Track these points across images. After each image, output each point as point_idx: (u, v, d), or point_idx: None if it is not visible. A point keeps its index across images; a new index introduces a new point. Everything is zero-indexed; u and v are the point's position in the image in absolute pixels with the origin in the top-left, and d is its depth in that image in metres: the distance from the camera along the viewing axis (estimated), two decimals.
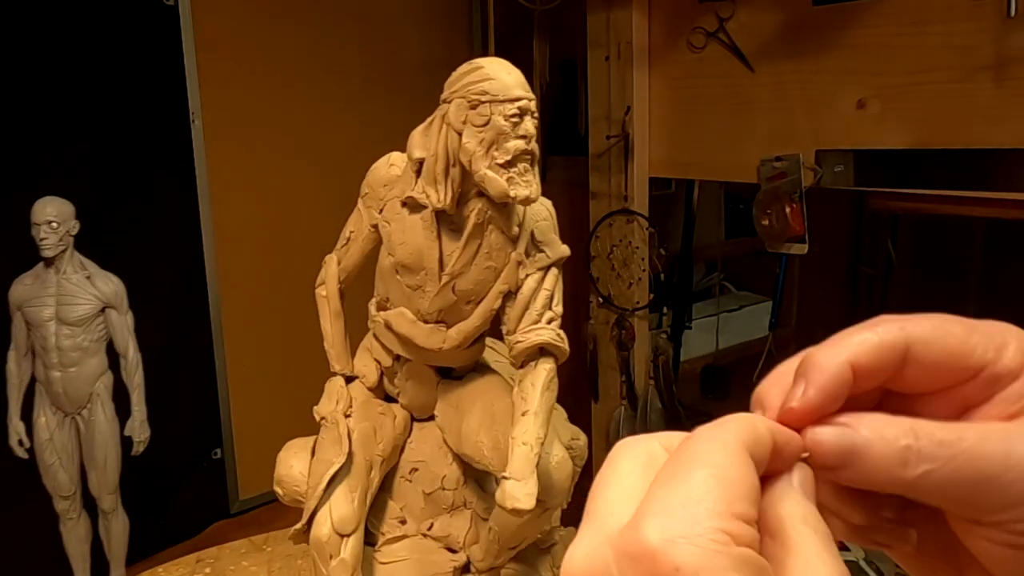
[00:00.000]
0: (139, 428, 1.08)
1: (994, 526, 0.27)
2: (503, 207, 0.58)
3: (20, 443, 1.06)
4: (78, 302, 1.03)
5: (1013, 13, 1.01)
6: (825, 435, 0.27)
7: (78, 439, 1.07)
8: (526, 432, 0.54)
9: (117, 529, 1.11)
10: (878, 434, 0.26)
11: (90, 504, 1.10)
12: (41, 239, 0.99)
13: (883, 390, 0.29)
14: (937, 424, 0.27)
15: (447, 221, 0.59)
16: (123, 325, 1.06)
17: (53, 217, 0.99)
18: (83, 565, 1.12)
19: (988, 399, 0.28)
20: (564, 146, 1.66)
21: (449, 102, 0.53)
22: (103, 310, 1.05)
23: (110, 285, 1.05)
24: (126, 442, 1.09)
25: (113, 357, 1.08)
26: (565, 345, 0.59)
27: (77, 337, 1.03)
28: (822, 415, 0.28)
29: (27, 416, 1.07)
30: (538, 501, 0.51)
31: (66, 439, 1.07)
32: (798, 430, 0.27)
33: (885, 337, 0.28)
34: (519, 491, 0.50)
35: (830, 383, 0.28)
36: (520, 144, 0.51)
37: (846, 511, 0.29)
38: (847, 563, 0.81)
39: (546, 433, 0.55)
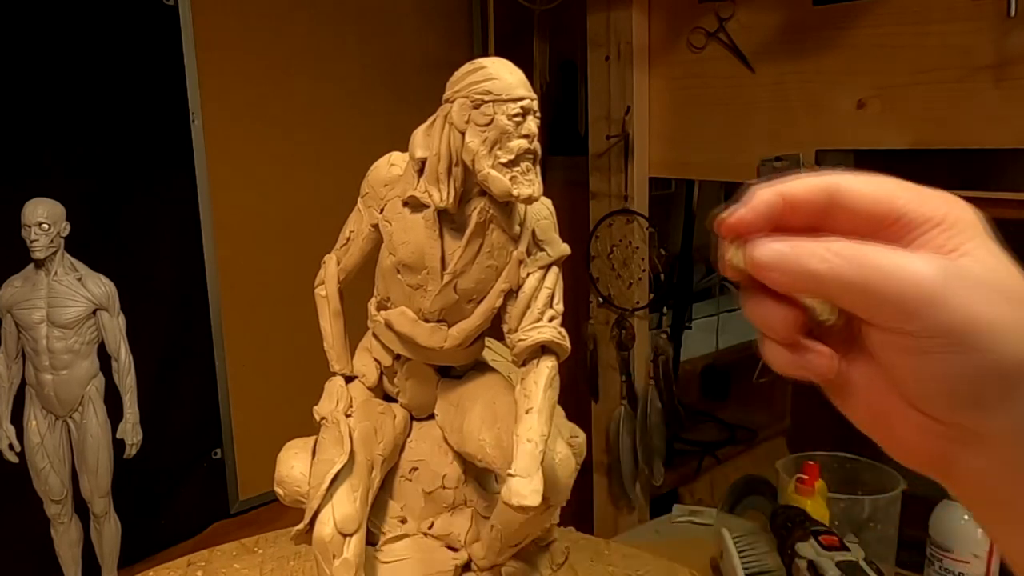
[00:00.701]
0: (131, 431, 1.08)
1: (883, 331, 0.30)
2: (505, 206, 0.58)
3: (11, 447, 1.06)
4: (69, 304, 1.02)
5: (1013, 13, 1.01)
6: (759, 243, 0.32)
7: (69, 442, 1.07)
8: (530, 429, 0.54)
9: (109, 533, 1.10)
10: (806, 241, 0.31)
11: (82, 508, 1.10)
12: (32, 241, 0.99)
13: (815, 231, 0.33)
14: (859, 241, 0.31)
15: (449, 220, 0.59)
16: (115, 327, 1.06)
17: (44, 219, 0.99)
18: (75, 569, 1.11)
19: (909, 245, 0.31)
20: (564, 146, 1.66)
21: (452, 102, 0.53)
22: (95, 312, 1.04)
23: (101, 287, 1.04)
24: (118, 445, 1.08)
25: (105, 359, 1.07)
26: (567, 343, 0.59)
27: (68, 339, 1.03)
28: (750, 231, 0.33)
29: (17, 420, 1.07)
30: (543, 498, 0.52)
31: (57, 443, 1.06)
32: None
33: (815, 180, 0.33)
34: (525, 488, 0.51)
35: (759, 204, 0.33)
36: (523, 143, 0.51)
37: (784, 326, 0.33)
38: (847, 563, 0.82)
39: (550, 430, 0.55)
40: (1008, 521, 0.31)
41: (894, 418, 0.32)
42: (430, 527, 0.70)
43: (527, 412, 0.55)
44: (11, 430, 1.06)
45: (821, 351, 0.32)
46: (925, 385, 0.30)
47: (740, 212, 0.34)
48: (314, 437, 0.67)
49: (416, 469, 0.71)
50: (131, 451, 1.09)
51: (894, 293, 0.29)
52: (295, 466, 0.67)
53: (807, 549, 0.95)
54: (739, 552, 1.07)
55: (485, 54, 1.59)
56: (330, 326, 0.70)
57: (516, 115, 0.51)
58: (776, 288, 0.32)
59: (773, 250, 0.32)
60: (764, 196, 0.33)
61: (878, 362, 0.31)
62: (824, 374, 0.33)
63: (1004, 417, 0.29)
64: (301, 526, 0.60)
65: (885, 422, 0.32)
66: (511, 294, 0.60)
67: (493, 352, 0.73)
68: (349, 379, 0.71)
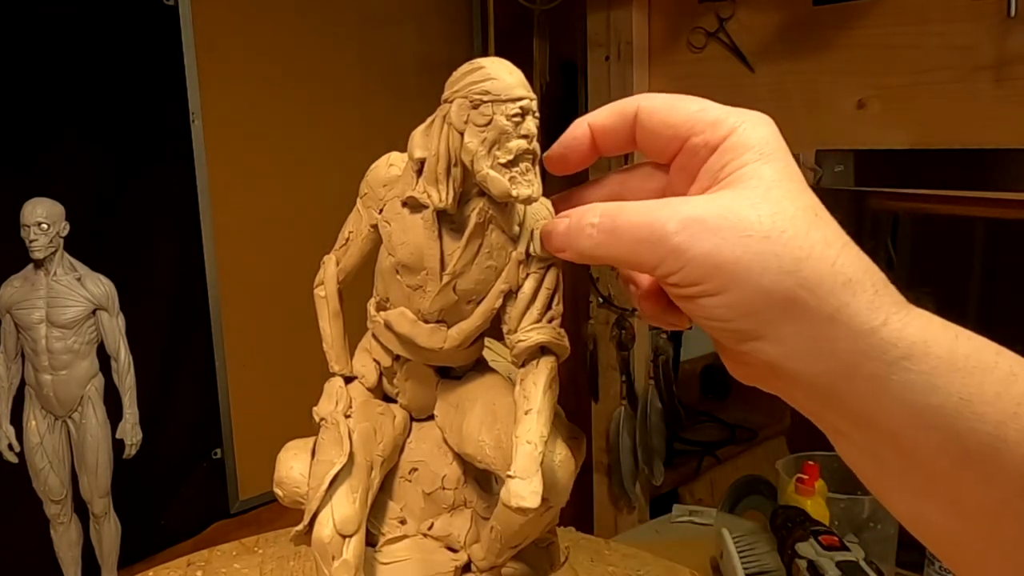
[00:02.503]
0: (131, 431, 1.08)
1: (665, 284, 0.33)
2: (504, 206, 0.58)
3: (10, 447, 1.06)
4: (68, 304, 1.02)
5: (1013, 13, 1.01)
6: (545, 227, 0.38)
7: (69, 443, 1.07)
8: (529, 431, 0.54)
9: (108, 533, 1.10)
10: (576, 217, 0.35)
11: (81, 508, 1.10)
12: (31, 241, 0.99)
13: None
14: (620, 204, 0.33)
15: (448, 221, 0.59)
16: (114, 327, 1.06)
17: (43, 218, 0.99)
18: (74, 569, 1.11)
19: (696, 173, 0.34)
20: None
21: (451, 102, 0.53)
22: (94, 312, 1.04)
23: (100, 287, 1.04)
24: (118, 445, 1.08)
25: (104, 359, 1.07)
26: (566, 343, 0.59)
27: (68, 339, 1.03)
28: (568, 163, 0.39)
29: (16, 420, 1.07)
30: (542, 499, 0.51)
31: (57, 443, 1.06)
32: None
33: (619, 104, 0.36)
34: (524, 489, 0.50)
35: (567, 137, 0.38)
36: (522, 144, 0.51)
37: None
38: (847, 563, 0.82)
39: (549, 431, 0.55)
40: (828, 432, 0.33)
41: (718, 348, 0.34)
42: (430, 528, 0.70)
43: (526, 413, 0.55)
44: (11, 430, 1.06)
45: (681, 318, 0.35)
46: (708, 325, 0.32)
47: (555, 148, 0.39)
48: (313, 438, 0.67)
49: (416, 470, 0.71)
50: (131, 451, 1.08)
51: (645, 251, 0.31)
52: (294, 467, 0.67)
53: (807, 549, 0.95)
54: (739, 552, 1.07)
55: (485, 54, 1.59)
56: (329, 327, 0.70)
57: (515, 115, 0.50)
58: (575, 262, 0.36)
59: (554, 230, 0.37)
60: (574, 129, 0.38)
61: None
62: (683, 327, 0.36)
63: (776, 345, 0.30)
64: (300, 527, 0.60)
65: (718, 351, 0.35)
66: (510, 295, 0.60)
67: (493, 352, 0.73)
68: (348, 380, 0.71)
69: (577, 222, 0.34)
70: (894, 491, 0.32)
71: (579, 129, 0.37)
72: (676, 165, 0.35)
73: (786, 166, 0.32)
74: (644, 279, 0.37)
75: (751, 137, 0.32)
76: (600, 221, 0.33)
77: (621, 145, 0.37)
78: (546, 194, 0.57)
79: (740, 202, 0.31)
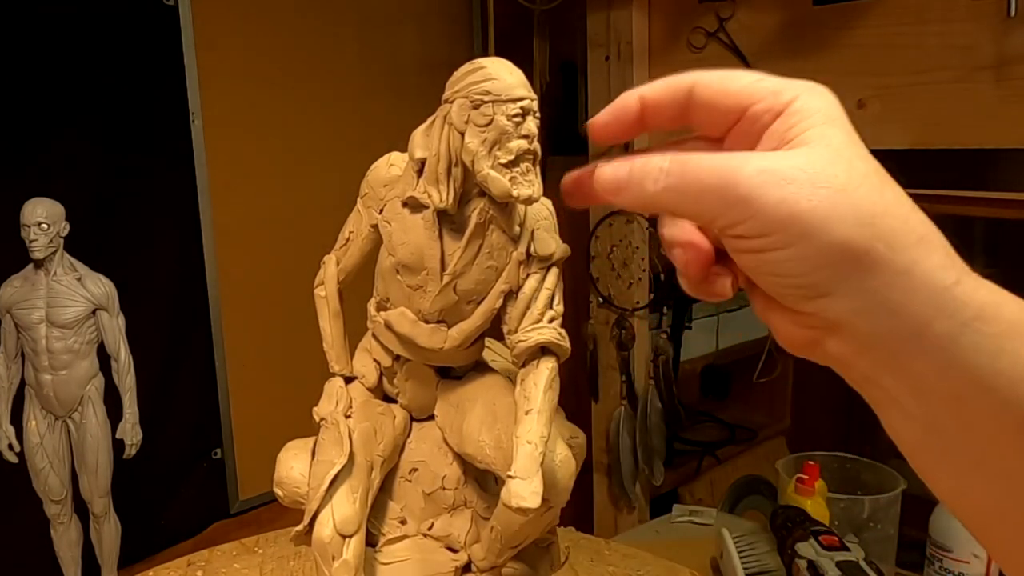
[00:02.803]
0: (131, 431, 1.08)
1: (728, 238, 0.32)
2: (504, 207, 0.58)
3: (10, 447, 1.06)
4: (68, 304, 1.02)
5: (1013, 13, 1.01)
6: (602, 169, 0.34)
7: (69, 443, 1.07)
8: (530, 431, 0.54)
9: (108, 533, 1.10)
10: (642, 160, 0.33)
11: (81, 508, 1.10)
12: (31, 241, 0.99)
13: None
14: (691, 153, 0.32)
15: (448, 221, 0.59)
16: (114, 327, 1.06)
17: (43, 218, 0.99)
18: (74, 569, 1.11)
19: (757, 139, 0.33)
20: (564, 146, 1.66)
21: (451, 102, 0.53)
22: (94, 312, 1.04)
23: (100, 287, 1.04)
24: (118, 445, 1.08)
25: (105, 359, 1.07)
26: (567, 344, 0.59)
27: (68, 339, 1.03)
28: (616, 133, 0.36)
29: (17, 420, 1.07)
30: (543, 500, 0.51)
31: (57, 443, 1.06)
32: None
33: (673, 78, 0.35)
34: (525, 490, 0.50)
35: (617, 107, 0.36)
36: (523, 144, 0.51)
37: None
38: (847, 563, 0.82)
39: (549, 431, 0.55)
40: (880, 403, 0.32)
41: (771, 317, 0.34)
42: (430, 528, 0.70)
43: (527, 413, 0.55)
44: (11, 430, 1.06)
45: (723, 285, 0.35)
46: (772, 282, 0.31)
47: (602, 115, 0.37)
48: (313, 438, 0.67)
49: (416, 470, 0.71)
50: (131, 451, 1.08)
51: (713, 200, 0.30)
52: (294, 467, 0.67)
53: (807, 549, 0.95)
54: (739, 552, 1.07)
55: (485, 54, 1.59)
56: (330, 327, 0.70)
57: (516, 115, 0.51)
58: (626, 208, 0.35)
59: (614, 174, 0.34)
60: (624, 99, 0.36)
61: (744, 271, 0.33)
62: (726, 295, 0.35)
63: (846, 300, 0.30)
64: (300, 527, 0.60)
65: (767, 317, 0.34)
66: (511, 295, 0.60)
67: (493, 352, 0.73)
68: (349, 380, 0.71)
69: (644, 165, 0.32)
70: (943, 464, 0.31)
71: (629, 100, 0.36)
72: (735, 134, 0.34)
73: (851, 131, 0.32)
74: (693, 238, 0.35)
75: (814, 103, 0.33)
76: (670, 165, 0.32)
77: (670, 120, 0.36)
78: (545, 196, 0.57)
79: (814, 158, 0.30)
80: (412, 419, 0.72)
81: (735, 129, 0.34)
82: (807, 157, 0.30)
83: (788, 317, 0.33)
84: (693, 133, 0.36)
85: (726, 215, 0.30)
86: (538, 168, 0.52)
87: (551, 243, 0.59)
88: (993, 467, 0.30)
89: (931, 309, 0.29)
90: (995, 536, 0.32)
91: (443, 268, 0.59)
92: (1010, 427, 0.28)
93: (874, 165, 0.31)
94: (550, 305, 0.60)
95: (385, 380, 0.71)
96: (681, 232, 0.35)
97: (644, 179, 0.32)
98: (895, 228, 0.29)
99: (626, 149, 1.59)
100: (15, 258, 1.02)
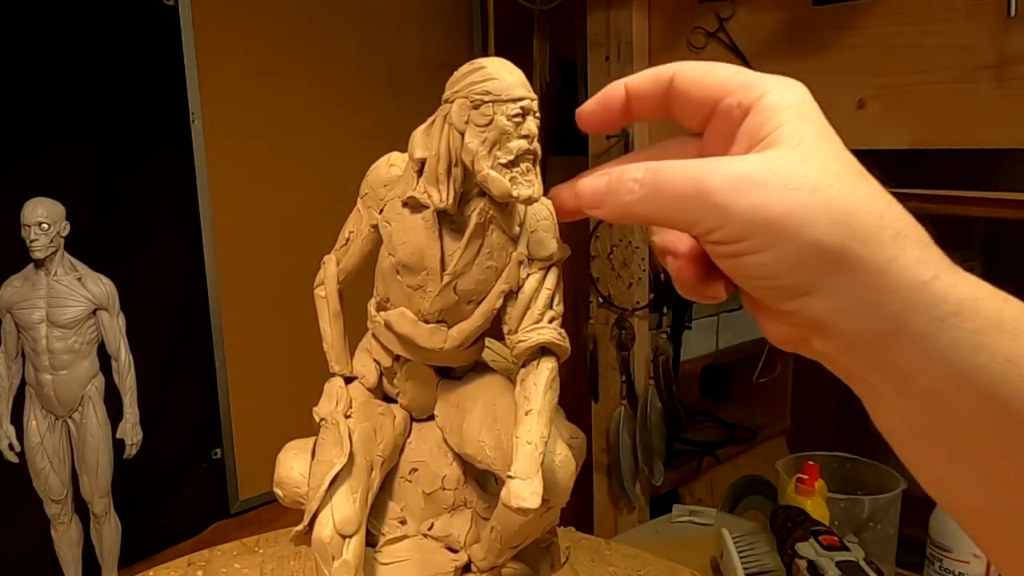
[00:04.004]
0: (131, 431, 1.08)
1: (707, 243, 0.32)
2: (504, 207, 0.58)
3: (11, 447, 1.06)
4: (69, 304, 1.02)
5: (1013, 13, 1.01)
6: (582, 184, 0.36)
7: (69, 442, 1.07)
8: (530, 431, 0.54)
9: (109, 533, 1.10)
10: (617, 172, 0.33)
11: (82, 508, 1.10)
12: (31, 240, 0.99)
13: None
14: (664, 161, 0.32)
15: (448, 221, 0.59)
16: (114, 327, 1.06)
17: (44, 218, 0.99)
18: (75, 569, 1.11)
19: (732, 136, 0.33)
20: (564, 146, 1.66)
21: (451, 102, 0.53)
22: (94, 312, 1.04)
23: (101, 287, 1.04)
24: (118, 445, 1.08)
25: (105, 359, 1.07)
26: (567, 344, 0.59)
27: (68, 339, 1.03)
28: (602, 121, 0.38)
29: (17, 420, 1.07)
30: (543, 500, 0.51)
31: (57, 443, 1.06)
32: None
33: (656, 68, 0.36)
34: (524, 490, 0.50)
35: (604, 96, 0.37)
36: (523, 144, 0.51)
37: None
38: (847, 563, 0.82)
39: (549, 432, 0.55)
40: (867, 396, 0.33)
41: (759, 316, 0.34)
42: (430, 528, 0.70)
43: (526, 414, 0.55)
44: (11, 430, 1.06)
45: (717, 288, 0.35)
46: (752, 284, 0.32)
47: (590, 103, 0.38)
48: (313, 438, 0.67)
49: (416, 470, 0.71)
50: (131, 451, 1.08)
51: (688, 207, 0.31)
52: (294, 467, 0.67)
53: (807, 549, 0.95)
54: (739, 552, 1.07)
55: (485, 54, 1.59)
56: (330, 327, 0.70)
57: (516, 115, 0.50)
58: (607, 220, 0.36)
59: (593, 188, 0.35)
60: (611, 89, 0.37)
61: (726, 274, 0.33)
62: (721, 298, 0.35)
63: (825, 300, 0.30)
64: (300, 527, 0.60)
65: (756, 315, 0.34)
66: (511, 295, 0.60)
67: (493, 352, 0.73)
68: (349, 380, 0.71)
69: (619, 176, 0.33)
70: (928, 458, 0.32)
71: (616, 89, 0.37)
72: (711, 130, 0.35)
73: (824, 126, 0.33)
74: (683, 245, 0.35)
75: (786, 98, 0.33)
76: (644, 176, 0.32)
77: (654, 110, 0.37)
78: (545, 196, 0.57)
79: (785, 159, 0.31)
80: (412, 419, 0.72)
81: (711, 126, 0.35)
82: (778, 158, 0.31)
83: (773, 316, 0.33)
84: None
85: (702, 222, 0.31)
86: (538, 168, 0.52)
87: (551, 243, 0.59)
88: (975, 462, 0.30)
89: (909, 306, 0.29)
90: (980, 527, 0.32)
91: (443, 268, 0.59)
92: (990, 422, 0.29)
93: (848, 160, 0.31)
94: (550, 305, 0.60)
95: (385, 380, 0.71)
96: (672, 238, 0.36)
97: (620, 191, 0.33)
98: (870, 225, 0.29)
99: (626, 149, 1.59)
100: (15, 258, 1.02)
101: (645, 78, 0.36)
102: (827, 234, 0.29)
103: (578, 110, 0.38)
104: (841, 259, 0.29)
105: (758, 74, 0.34)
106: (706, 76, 0.34)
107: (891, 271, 0.29)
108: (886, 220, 0.30)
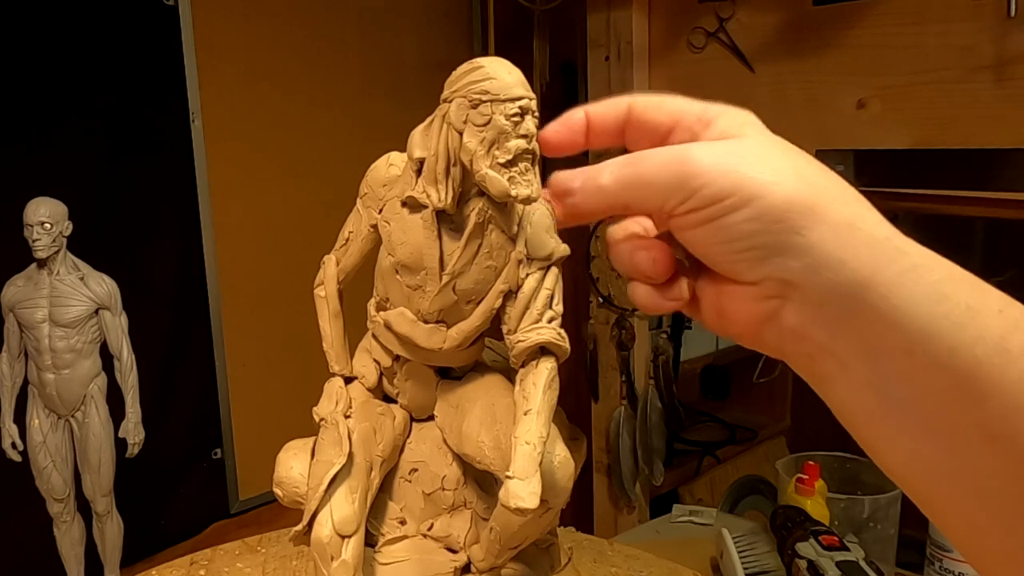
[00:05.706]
0: (133, 430, 1.08)
1: (680, 216, 0.34)
2: (503, 206, 0.58)
3: (13, 446, 1.06)
4: (71, 303, 1.02)
5: (1013, 13, 1.01)
6: (556, 174, 0.38)
7: (72, 442, 1.07)
8: (529, 431, 0.54)
9: (111, 532, 1.10)
10: (592, 165, 0.36)
11: (84, 507, 1.10)
12: (34, 240, 0.99)
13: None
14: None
15: (447, 221, 0.59)
16: (117, 326, 1.06)
17: (46, 218, 0.99)
18: (77, 568, 1.11)
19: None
20: None
21: (450, 101, 0.53)
22: (97, 311, 1.04)
23: (103, 286, 1.04)
24: (120, 444, 1.08)
25: (107, 359, 1.07)
26: (566, 344, 0.59)
27: (71, 339, 1.03)
28: (564, 142, 0.40)
29: (20, 419, 1.07)
30: (541, 500, 0.51)
31: (60, 442, 1.06)
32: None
33: (614, 99, 0.39)
34: (523, 490, 0.50)
35: (565, 119, 0.40)
36: (521, 143, 0.51)
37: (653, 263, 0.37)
38: (847, 563, 0.82)
39: (548, 432, 0.55)
40: (831, 376, 0.34)
41: (725, 303, 0.36)
42: (429, 529, 0.70)
43: (526, 414, 0.55)
44: (14, 429, 1.06)
45: (680, 286, 0.37)
46: (726, 250, 0.33)
47: (553, 124, 0.41)
48: (313, 438, 0.67)
49: (415, 470, 0.71)
50: (133, 450, 1.09)
51: (670, 175, 0.33)
52: (294, 467, 0.67)
53: (807, 549, 0.95)
54: (739, 552, 1.07)
55: (485, 54, 1.59)
56: (329, 327, 0.70)
57: (514, 115, 0.51)
58: (576, 210, 0.38)
59: (568, 176, 0.38)
60: (572, 114, 0.40)
61: (697, 254, 0.35)
62: (683, 306, 0.38)
63: (797, 257, 0.32)
64: (299, 527, 0.60)
65: (722, 313, 0.36)
66: (510, 295, 0.60)
67: (493, 353, 0.73)
68: (348, 380, 0.71)
69: (596, 165, 0.36)
70: (892, 431, 0.32)
71: (577, 114, 0.40)
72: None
73: (774, 139, 0.36)
74: (651, 233, 0.38)
75: (735, 119, 0.36)
76: (622, 158, 0.35)
77: (611, 136, 0.39)
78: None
79: (752, 143, 0.34)
80: (412, 419, 0.72)
81: (669, 141, 0.37)
82: (745, 143, 0.34)
83: (741, 296, 0.34)
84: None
85: (680, 191, 0.33)
86: (537, 168, 0.52)
87: (550, 243, 0.59)
88: (941, 427, 0.31)
89: (875, 260, 0.31)
90: (944, 508, 0.33)
91: (442, 268, 0.59)
92: (958, 377, 0.30)
93: (806, 154, 0.35)
94: (549, 305, 0.60)
95: (385, 380, 0.71)
96: (636, 228, 0.38)
97: (598, 174, 0.36)
98: (833, 190, 0.33)
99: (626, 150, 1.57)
100: (18, 257, 1.02)
101: (604, 106, 0.39)
102: (798, 191, 0.32)
103: (542, 131, 0.41)
104: (813, 212, 0.31)
105: (708, 104, 0.37)
106: (661, 106, 0.38)
107: (858, 225, 0.32)
108: (848, 192, 0.33)
